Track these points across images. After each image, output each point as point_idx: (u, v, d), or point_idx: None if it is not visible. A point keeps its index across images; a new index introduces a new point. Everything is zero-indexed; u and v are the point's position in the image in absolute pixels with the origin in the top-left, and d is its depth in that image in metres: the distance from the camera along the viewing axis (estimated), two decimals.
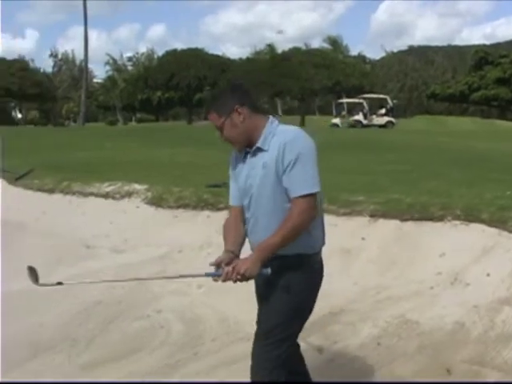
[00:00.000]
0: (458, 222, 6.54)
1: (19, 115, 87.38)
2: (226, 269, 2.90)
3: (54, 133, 28.49)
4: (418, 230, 6.70)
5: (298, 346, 3.37)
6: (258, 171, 2.98)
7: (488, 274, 5.58)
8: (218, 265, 2.96)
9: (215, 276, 2.97)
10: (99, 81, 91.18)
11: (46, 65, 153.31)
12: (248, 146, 3.04)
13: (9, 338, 5.07)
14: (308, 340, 4.84)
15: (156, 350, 4.86)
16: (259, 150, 2.98)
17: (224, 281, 2.94)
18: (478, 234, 6.26)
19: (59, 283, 3.22)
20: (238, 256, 3.01)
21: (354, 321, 5.23)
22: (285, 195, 2.93)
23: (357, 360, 4.53)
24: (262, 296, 3.15)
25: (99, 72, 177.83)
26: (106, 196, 9.59)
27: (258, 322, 3.16)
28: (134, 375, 4.39)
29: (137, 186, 9.53)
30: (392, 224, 6.90)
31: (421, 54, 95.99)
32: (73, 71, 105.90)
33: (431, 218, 6.74)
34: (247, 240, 3.15)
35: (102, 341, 5.04)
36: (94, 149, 17.02)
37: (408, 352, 4.62)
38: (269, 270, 2.93)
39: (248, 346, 3.22)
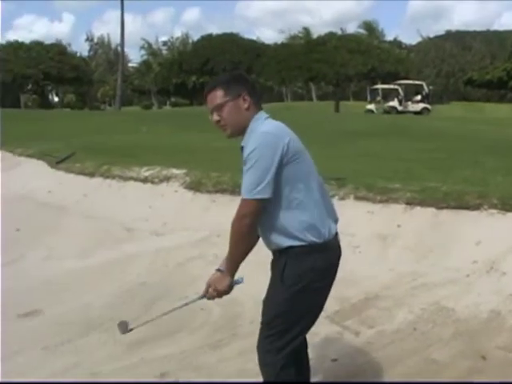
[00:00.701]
0: (494, 211, 6.55)
1: (56, 98, 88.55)
2: (208, 289, 3.18)
3: (92, 116, 28.91)
4: (454, 218, 6.72)
5: (306, 345, 3.41)
6: (244, 170, 3.00)
7: None
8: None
9: (203, 298, 3.28)
10: (134, 65, 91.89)
11: (82, 49, 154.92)
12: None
13: (61, 317, 5.32)
14: (344, 324, 4.97)
15: (197, 330, 5.04)
16: (242, 148, 2.98)
17: (209, 299, 3.24)
18: None
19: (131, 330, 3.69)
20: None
21: (390, 306, 5.31)
22: None
23: (393, 344, 4.62)
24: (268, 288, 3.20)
25: (134, 56, 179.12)
26: (144, 180, 9.76)
27: (262, 314, 3.22)
28: (176, 354, 4.57)
29: (175, 171, 9.68)
30: (428, 212, 6.94)
31: (458, 40, 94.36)
32: (108, 55, 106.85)
33: (467, 207, 6.76)
34: None
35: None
36: (131, 133, 17.26)
37: (444, 338, 4.69)
38: (239, 280, 3.17)
39: None
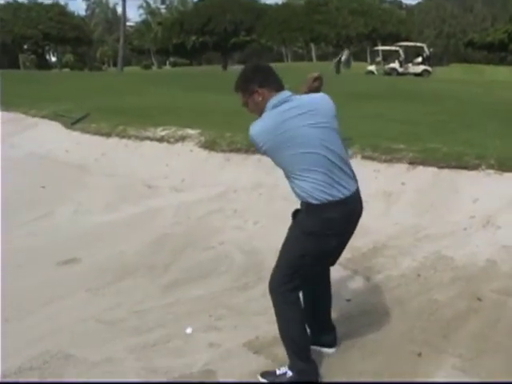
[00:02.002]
0: (491, 171, 7.02)
1: (53, 59, 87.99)
2: None
3: (97, 77, 29.14)
4: (453, 177, 7.17)
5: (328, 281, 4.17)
6: None
7: None
8: None
9: None
10: (131, 24, 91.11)
11: (79, 8, 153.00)
12: None
13: (98, 264, 5.89)
14: (356, 270, 5.55)
15: (223, 274, 5.61)
16: None
17: None
18: (511, 182, 6.76)
19: None
20: None
21: (396, 255, 5.89)
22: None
23: (399, 287, 5.21)
24: None
25: (132, 15, 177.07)
26: (160, 140, 10.21)
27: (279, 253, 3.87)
28: (208, 295, 5.13)
29: (189, 131, 10.13)
30: (429, 171, 7.41)
31: (459, 0, 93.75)
32: (106, 14, 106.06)
33: (466, 167, 7.21)
34: None
35: (177, 267, 5.80)
36: (140, 94, 17.56)
37: (444, 282, 5.27)
38: None
39: None
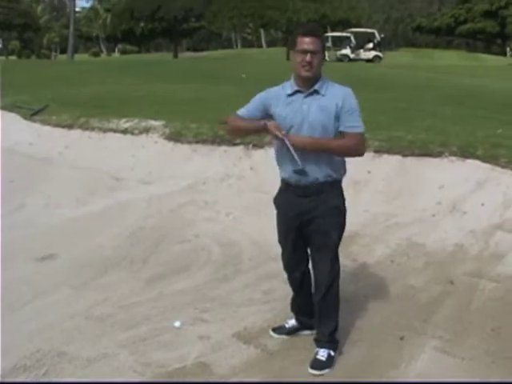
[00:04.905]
0: (454, 158, 7.29)
1: None
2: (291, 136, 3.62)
3: (49, 66, 28.46)
4: (418, 164, 7.43)
5: None
6: (311, 109, 3.70)
7: (483, 204, 6.41)
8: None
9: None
10: (78, 10, 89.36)
11: None
12: (303, 86, 3.72)
13: (77, 259, 5.89)
14: None
15: (203, 267, 5.67)
16: (316, 92, 3.72)
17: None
18: (473, 168, 7.02)
19: None
20: None
21: (369, 243, 6.08)
22: (331, 132, 3.69)
23: (375, 275, 5.39)
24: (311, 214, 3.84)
25: (78, 1, 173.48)
26: (124, 132, 10.18)
27: (318, 236, 3.86)
28: (190, 288, 5.20)
29: (153, 122, 10.13)
30: (395, 159, 7.65)
31: None
32: (53, 1, 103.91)
33: (430, 154, 7.47)
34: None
35: (155, 260, 5.84)
36: (95, 83, 17.34)
37: (417, 268, 5.49)
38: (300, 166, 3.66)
39: (279, 265, 4.18)
